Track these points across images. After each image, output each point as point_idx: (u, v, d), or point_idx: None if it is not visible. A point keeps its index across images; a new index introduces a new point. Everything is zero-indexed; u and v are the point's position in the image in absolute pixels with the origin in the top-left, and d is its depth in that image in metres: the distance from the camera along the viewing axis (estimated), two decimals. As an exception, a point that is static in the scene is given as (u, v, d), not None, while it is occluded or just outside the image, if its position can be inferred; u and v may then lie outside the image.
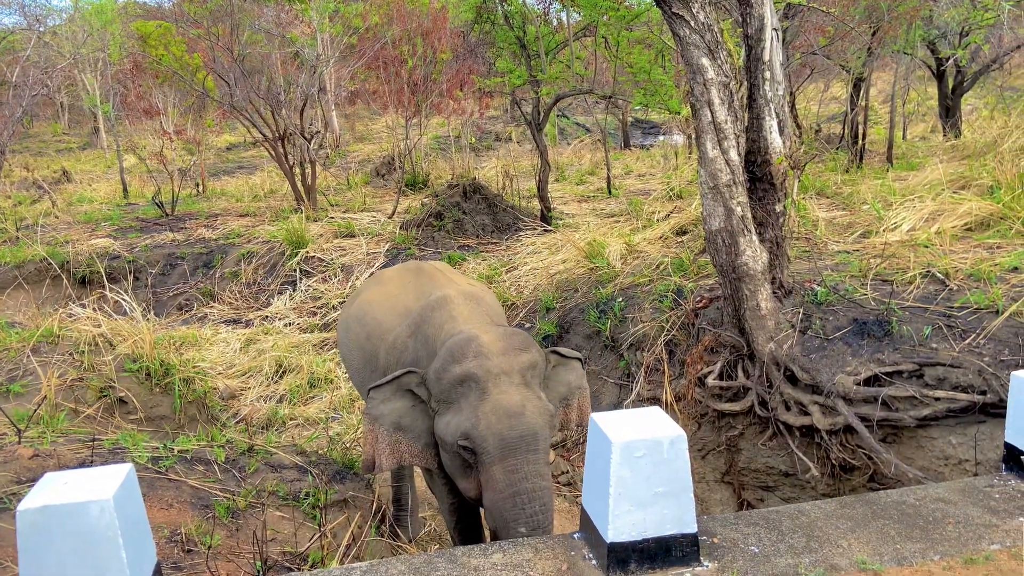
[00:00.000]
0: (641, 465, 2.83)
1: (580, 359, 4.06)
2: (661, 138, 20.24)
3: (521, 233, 10.57)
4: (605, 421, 2.98)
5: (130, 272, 10.68)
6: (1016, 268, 5.58)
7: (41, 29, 22.34)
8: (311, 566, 3.92)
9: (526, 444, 3.37)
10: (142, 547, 2.70)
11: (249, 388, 7.54)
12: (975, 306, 5.11)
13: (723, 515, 3.33)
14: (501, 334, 3.68)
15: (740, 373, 5.58)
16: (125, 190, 15.85)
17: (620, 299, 6.99)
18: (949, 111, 13.23)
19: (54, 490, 2.57)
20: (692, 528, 2.92)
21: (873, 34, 10.17)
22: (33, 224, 12.51)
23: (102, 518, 2.50)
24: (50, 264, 10.17)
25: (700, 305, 6.19)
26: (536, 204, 11.53)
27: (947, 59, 12.42)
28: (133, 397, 5.65)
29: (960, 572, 2.86)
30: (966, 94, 13.68)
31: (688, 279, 6.79)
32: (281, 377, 7.77)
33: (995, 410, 4.50)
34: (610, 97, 11.40)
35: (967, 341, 4.90)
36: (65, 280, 9.95)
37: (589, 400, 4.09)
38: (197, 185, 15.92)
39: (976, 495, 3.42)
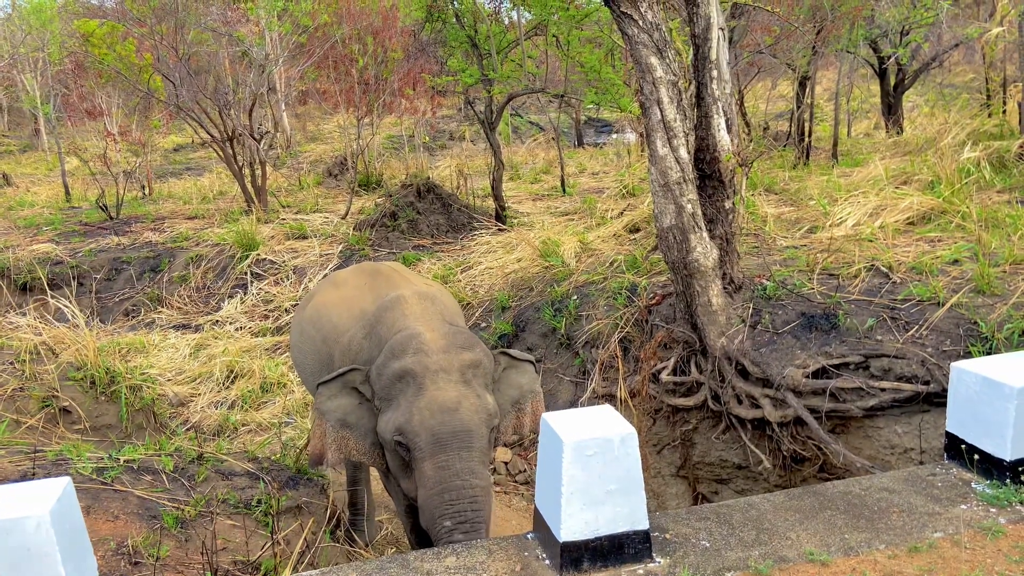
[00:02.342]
0: (592, 464, 2.83)
1: (532, 362, 4.03)
2: (614, 136, 20.38)
3: (476, 232, 10.55)
4: (556, 421, 2.98)
5: (73, 278, 10.38)
6: (956, 261, 5.74)
7: (-23, 28, 21.58)
8: (264, 575, 3.85)
9: (459, 441, 3.33)
10: (82, 562, 2.62)
11: (199, 394, 7.38)
12: (918, 298, 5.24)
13: (675, 511, 3.36)
14: (445, 332, 3.66)
15: (693, 368, 5.64)
16: (67, 193, 15.39)
17: (575, 297, 7.01)
18: (891, 108, 13.57)
19: (-13, 506, 2.48)
20: (644, 525, 2.93)
21: (817, 33, 10.38)
22: (-30, 230, 12.09)
23: (38, 534, 2.41)
24: (-11, 271, 9.83)
25: (653, 302, 6.24)
26: (491, 203, 11.51)
27: (889, 57, 12.74)
28: (77, 406, 5.48)
29: (905, 560, 2.93)
30: (907, 91, 14.05)
31: (641, 276, 6.85)
32: (232, 382, 7.62)
33: (938, 399, 4.62)
34: (562, 96, 11.43)
35: (910, 332, 5.03)
36: (4, 287, 9.63)
37: (543, 404, 4.05)
38: (143, 187, 15.54)
39: (919, 484, 3.50)
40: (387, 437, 3.53)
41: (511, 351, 4.01)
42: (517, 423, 3.97)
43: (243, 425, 6.82)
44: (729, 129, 5.43)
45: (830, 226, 7.06)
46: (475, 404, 3.45)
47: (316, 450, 3.80)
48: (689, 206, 5.17)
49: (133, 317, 9.82)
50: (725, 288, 5.56)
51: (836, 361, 5.03)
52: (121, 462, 4.35)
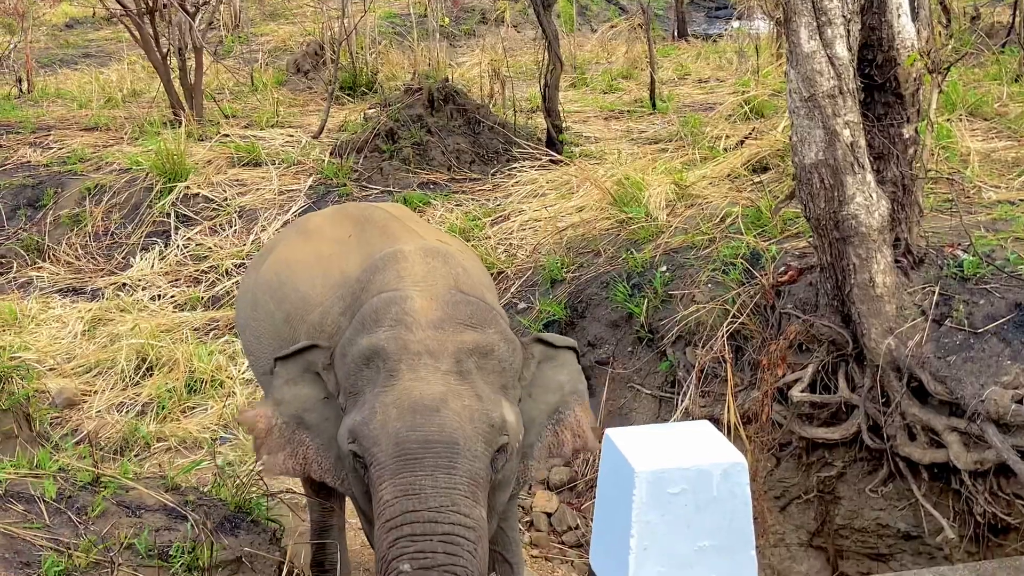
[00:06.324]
0: (679, 506, 2.88)
1: (574, 348, 4.06)
2: (736, 24, 20.19)
3: (516, 165, 10.59)
4: (625, 440, 3.01)
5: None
6: None
7: None
8: (186, 659, 3.99)
9: (435, 456, 3.28)
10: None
11: (96, 392, 7.57)
12: None
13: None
14: (445, 300, 3.68)
15: (842, 383, 5.65)
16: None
17: (663, 268, 7.04)
18: None
19: None
20: (755, 604, 3.00)
21: None
22: None
23: None
24: None
25: (784, 279, 6.25)
26: (540, 121, 11.54)
27: None
28: (-88, 402, 5.69)
29: None
30: None
31: (768, 239, 6.85)
32: (145, 376, 7.80)
33: None
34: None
35: None
36: None
37: (588, 409, 4.07)
38: (19, 81, 15.85)
39: None
40: (342, 446, 3.57)
41: (547, 335, 4.03)
42: (554, 442, 3.97)
43: (159, 440, 6.99)
44: (915, 15, 5.40)
45: (1069, 172, 6.99)
46: (467, 407, 3.40)
47: (259, 439, 3.89)
48: (847, 132, 5.17)
49: (1, 274, 10.08)
50: (897, 261, 5.55)
51: (1066, 380, 5.02)
52: (-21, 484, 4.52)
